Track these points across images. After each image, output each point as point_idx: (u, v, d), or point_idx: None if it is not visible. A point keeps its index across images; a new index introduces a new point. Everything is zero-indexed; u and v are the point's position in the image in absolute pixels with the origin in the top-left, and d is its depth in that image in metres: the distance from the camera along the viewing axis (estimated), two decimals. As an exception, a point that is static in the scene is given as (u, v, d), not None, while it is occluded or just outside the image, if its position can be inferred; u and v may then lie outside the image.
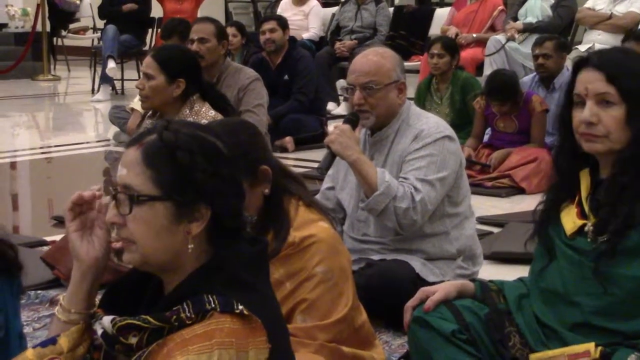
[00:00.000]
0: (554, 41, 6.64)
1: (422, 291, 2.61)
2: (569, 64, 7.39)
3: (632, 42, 6.34)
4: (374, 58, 3.49)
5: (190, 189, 1.74)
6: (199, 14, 9.88)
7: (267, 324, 1.72)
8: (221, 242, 1.78)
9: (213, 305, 1.68)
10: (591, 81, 2.37)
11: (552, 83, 6.60)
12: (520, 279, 2.68)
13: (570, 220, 2.47)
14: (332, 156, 3.40)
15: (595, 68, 2.38)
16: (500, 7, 9.02)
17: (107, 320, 1.76)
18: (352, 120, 3.46)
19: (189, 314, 1.68)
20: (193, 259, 1.77)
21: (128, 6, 10.55)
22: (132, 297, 1.85)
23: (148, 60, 4.08)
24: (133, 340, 1.72)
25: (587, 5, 8.52)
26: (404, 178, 3.39)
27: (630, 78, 2.37)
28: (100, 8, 11.04)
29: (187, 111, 4.06)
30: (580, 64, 2.43)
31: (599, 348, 2.34)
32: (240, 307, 1.68)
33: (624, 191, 2.36)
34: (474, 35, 8.87)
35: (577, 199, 2.48)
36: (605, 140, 2.37)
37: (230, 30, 7.49)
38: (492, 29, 8.99)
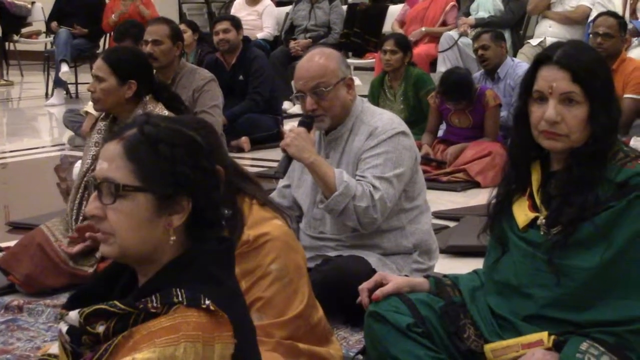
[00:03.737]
0: (490, 33, 6.83)
1: (380, 274, 2.67)
2: (523, 58, 7.48)
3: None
4: (318, 60, 3.46)
5: (172, 181, 1.75)
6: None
7: (234, 319, 1.73)
8: (199, 235, 1.80)
9: (180, 299, 1.70)
10: (556, 79, 2.37)
11: (496, 73, 6.68)
12: (475, 271, 2.70)
13: (522, 213, 2.49)
14: (288, 159, 3.39)
15: (560, 66, 2.37)
16: (452, 3, 9.07)
17: (73, 313, 1.76)
18: (307, 122, 3.44)
19: (155, 304, 1.69)
20: (171, 251, 1.78)
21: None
22: (100, 299, 1.83)
23: (99, 62, 4.06)
24: (100, 329, 1.73)
25: (537, -2, 8.58)
26: (362, 176, 3.39)
27: (595, 77, 2.38)
28: (50, 16, 10.89)
29: (140, 112, 4.03)
30: (542, 59, 2.43)
31: (552, 337, 2.37)
32: (207, 302, 1.70)
33: (577, 183, 2.38)
34: (423, 29, 8.89)
35: (528, 191, 2.50)
36: (566, 139, 2.39)
37: (181, 27, 7.43)
38: (444, 24, 9.04)
